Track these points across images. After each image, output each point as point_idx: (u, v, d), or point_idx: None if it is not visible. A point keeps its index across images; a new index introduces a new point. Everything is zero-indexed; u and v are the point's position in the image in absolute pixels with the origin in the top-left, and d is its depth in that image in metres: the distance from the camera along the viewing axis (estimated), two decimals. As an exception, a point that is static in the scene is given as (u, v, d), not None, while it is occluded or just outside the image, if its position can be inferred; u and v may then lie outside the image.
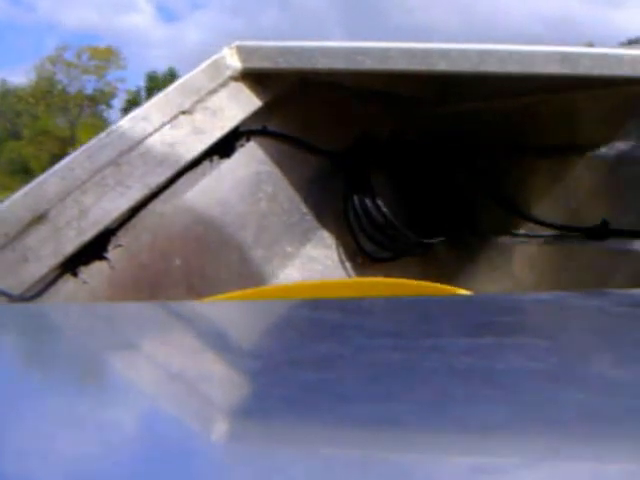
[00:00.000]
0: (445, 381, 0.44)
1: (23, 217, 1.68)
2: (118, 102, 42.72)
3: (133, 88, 44.14)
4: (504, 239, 2.19)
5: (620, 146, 1.94)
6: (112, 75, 42.31)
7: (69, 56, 42.45)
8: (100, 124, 38.79)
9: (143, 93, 41.85)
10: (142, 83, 44.93)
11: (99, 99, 41.04)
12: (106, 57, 40.85)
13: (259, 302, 1.16)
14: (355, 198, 2.33)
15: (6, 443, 0.36)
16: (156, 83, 41.16)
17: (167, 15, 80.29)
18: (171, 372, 0.50)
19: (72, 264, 1.77)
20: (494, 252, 2.22)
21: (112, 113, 44.96)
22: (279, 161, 2.18)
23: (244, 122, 2.05)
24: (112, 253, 1.83)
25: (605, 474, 0.32)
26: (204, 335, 0.66)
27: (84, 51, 41.70)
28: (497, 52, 1.86)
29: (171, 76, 41.12)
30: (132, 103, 41.45)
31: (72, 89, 42.20)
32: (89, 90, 41.78)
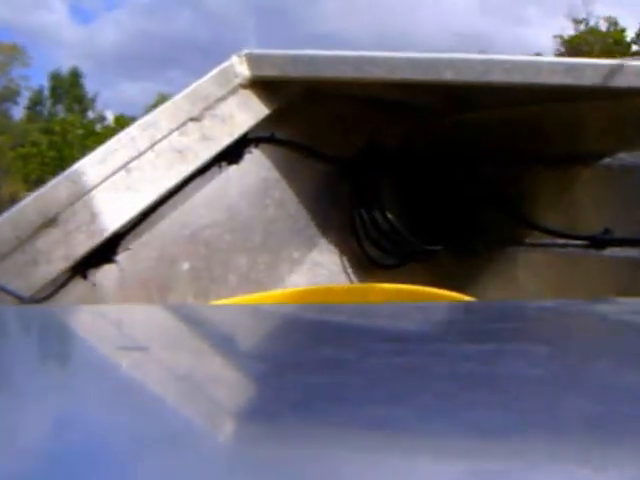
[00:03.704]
0: (448, 386, 0.44)
1: (34, 220, 1.68)
2: (22, 100, 41.68)
3: (37, 87, 43.07)
4: (508, 247, 2.19)
5: (623, 156, 1.94)
6: (15, 72, 40.88)
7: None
8: (4, 122, 38.28)
9: (46, 92, 41.26)
10: (46, 83, 44.01)
11: (3, 96, 40.02)
12: (10, 54, 39.71)
13: (266, 306, 1.16)
14: (361, 205, 2.33)
15: (18, 443, 0.36)
16: (60, 82, 40.63)
17: (80, 14, 79.21)
18: (178, 374, 0.51)
19: (82, 267, 1.77)
20: (498, 259, 2.22)
21: (17, 111, 43.82)
22: (287, 168, 2.18)
23: (252, 129, 2.06)
24: (122, 256, 1.84)
25: (607, 479, 0.32)
26: (211, 338, 0.66)
27: (-14, 47, 40.27)
28: (502, 62, 1.87)
29: (74, 76, 40.75)
30: (35, 102, 41.04)
31: (-28, 85, 40.43)
32: (-9, 86, 40.37)
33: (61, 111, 40.66)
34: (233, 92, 2.02)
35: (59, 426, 0.39)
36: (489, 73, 1.86)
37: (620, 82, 1.81)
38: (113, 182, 1.79)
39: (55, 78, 40.94)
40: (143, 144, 1.85)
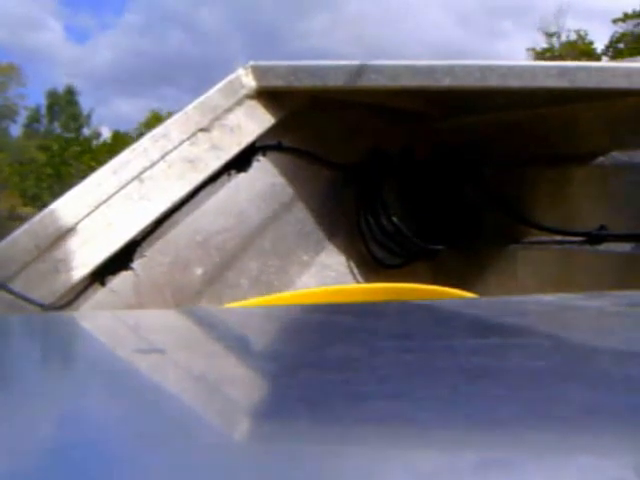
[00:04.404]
0: (455, 380, 0.44)
1: (53, 231, 1.69)
2: (20, 118, 41.74)
3: (33, 104, 43.15)
4: (508, 245, 2.19)
5: (616, 155, 1.94)
6: (12, 91, 40.85)
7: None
8: (3, 139, 38.38)
9: (43, 110, 41.33)
10: (42, 101, 44.07)
11: (2, 114, 39.95)
12: (7, 73, 39.65)
13: (277, 307, 1.16)
14: (366, 208, 2.33)
15: (39, 443, 0.36)
16: (56, 100, 40.72)
17: (75, 34, 79.31)
18: (195, 375, 0.51)
19: (100, 274, 1.77)
20: (498, 257, 2.21)
21: (14, 129, 43.96)
22: (294, 174, 2.18)
23: (260, 138, 2.06)
24: (137, 263, 1.84)
25: (608, 466, 0.32)
26: (225, 339, 0.66)
27: (-17, 67, 40.08)
28: (498, 68, 1.86)
29: (69, 94, 40.78)
30: (32, 119, 41.18)
31: (-29, 105, 40.05)
32: (-11, 105, 40.32)
33: (57, 128, 40.84)
34: (240, 103, 2.02)
35: (80, 426, 0.39)
36: (486, 79, 1.86)
37: (611, 83, 1.81)
38: (127, 192, 1.80)
39: (51, 96, 41.01)
40: (155, 155, 1.85)
